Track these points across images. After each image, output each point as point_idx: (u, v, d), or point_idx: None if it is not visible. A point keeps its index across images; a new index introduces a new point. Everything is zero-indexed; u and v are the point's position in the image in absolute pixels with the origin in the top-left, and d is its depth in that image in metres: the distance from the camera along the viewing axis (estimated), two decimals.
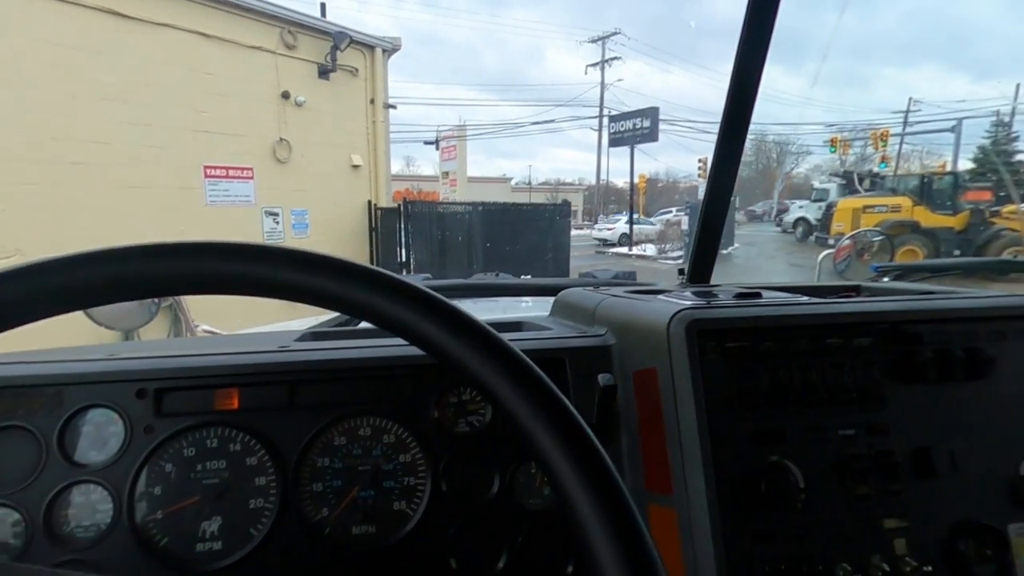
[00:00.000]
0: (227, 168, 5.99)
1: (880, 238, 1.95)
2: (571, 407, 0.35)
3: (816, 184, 24.47)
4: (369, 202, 7.60)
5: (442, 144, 15.60)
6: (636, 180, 25.35)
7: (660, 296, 0.71)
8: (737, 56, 0.96)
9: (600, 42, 30.04)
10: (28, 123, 4.62)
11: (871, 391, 0.59)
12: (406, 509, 0.61)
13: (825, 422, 0.58)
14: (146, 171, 5.32)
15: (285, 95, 6.43)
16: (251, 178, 6.22)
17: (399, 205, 7.73)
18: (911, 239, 12.08)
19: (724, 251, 17.20)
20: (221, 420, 0.59)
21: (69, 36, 4.79)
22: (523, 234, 8.76)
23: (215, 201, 5.93)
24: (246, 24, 6.03)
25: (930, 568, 0.54)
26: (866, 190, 15.67)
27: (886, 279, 1.55)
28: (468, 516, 0.61)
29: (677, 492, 0.55)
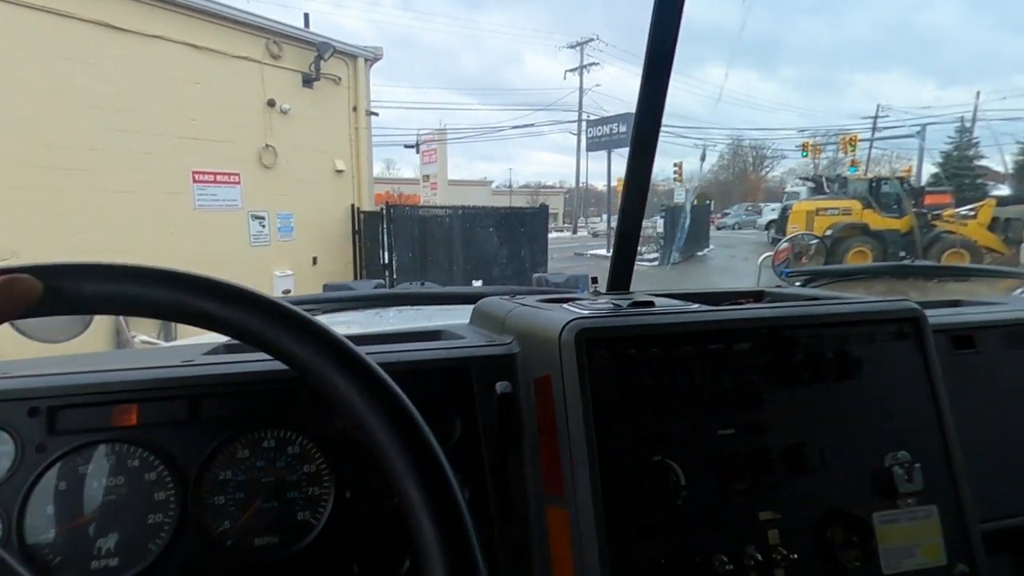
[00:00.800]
0: (215, 173, 6.21)
1: (816, 242, 2.04)
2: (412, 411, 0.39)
3: (788, 188, 25.24)
4: (352, 206, 7.86)
5: (422, 148, 15.73)
6: (614, 183, 25.93)
7: (566, 305, 0.74)
8: (644, 70, 0.99)
9: (578, 48, 30.56)
10: (23, 130, 4.80)
11: (749, 392, 0.62)
12: (310, 519, 0.61)
13: (707, 423, 0.60)
14: (137, 176, 5.52)
15: (271, 103, 6.68)
16: (238, 183, 6.44)
17: (381, 209, 8.00)
18: (860, 241, 12.57)
19: (700, 253, 17.66)
20: (119, 436, 0.58)
21: (63, 47, 4.99)
22: (502, 236, 9.08)
23: (203, 205, 6.15)
24: (234, 35, 6.27)
25: (796, 556, 0.58)
26: (833, 194, 16.28)
27: (798, 283, 1.62)
28: (372, 523, 0.62)
29: (567, 493, 0.58)
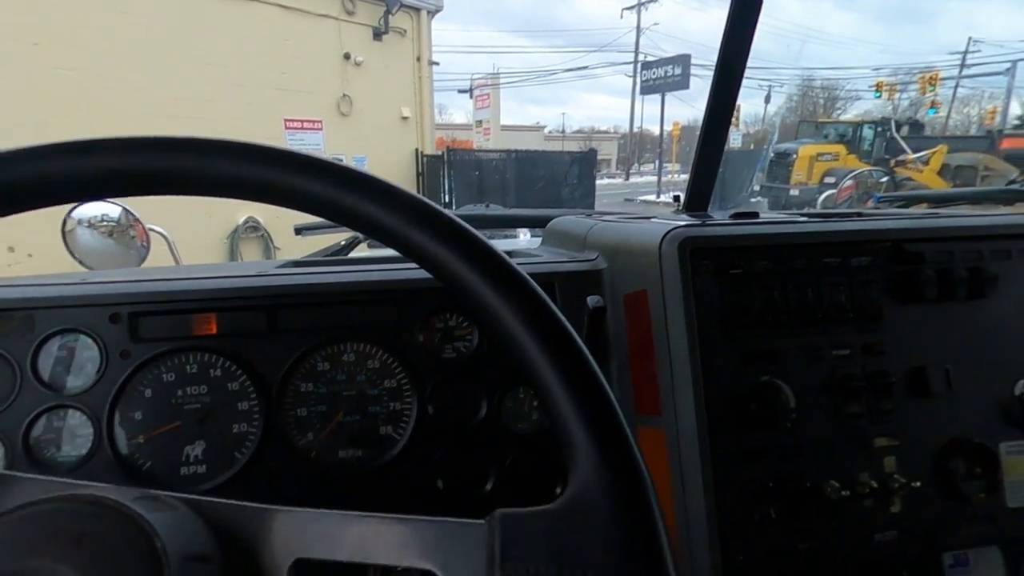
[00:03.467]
0: (302, 120, 7.15)
1: (885, 179, 1.95)
2: (564, 321, 0.32)
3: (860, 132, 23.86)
4: (416, 150, 8.68)
5: (475, 93, 16.12)
6: (670, 128, 25.47)
7: (654, 220, 0.71)
8: None
9: None
10: (157, 87, 5.83)
11: (868, 311, 0.58)
12: (392, 433, 0.61)
13: (819, 342, 0.58)
14: (241, 124, 6.51)
15: (346, 56, 7.47)
16: (320, 129, 7.36)
17: (442, 153, 8.78)
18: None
19: (752, 200, 17.41)
20: (199, 345, 0.59)
21: (181, 14, 5.91)
22: (553, 179, 9.71)
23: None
24: None
25: (918, 484, 0.56)
26: (903, 137, 15.57)
27: (891, 209, 1.50)
28: (455, 440, 0.62)
29: (666, 413, 0.55)
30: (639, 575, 0.27)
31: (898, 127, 16.16)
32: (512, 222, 1.41)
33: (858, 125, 14.15)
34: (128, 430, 0.58)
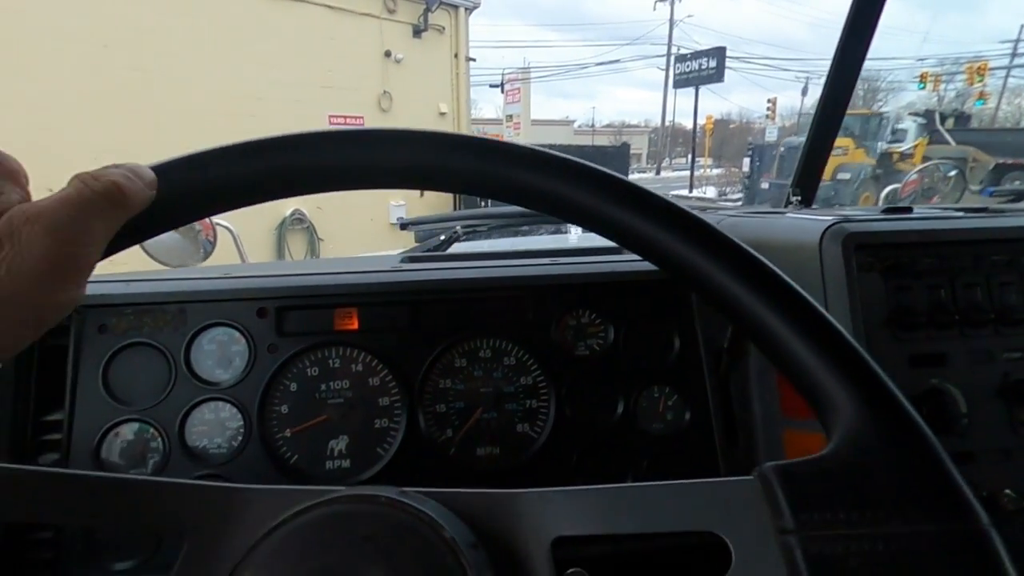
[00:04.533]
0: (345, 116, 7.40)
1: (955, 172, 1.79)
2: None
3: (895, 124, 23.13)
4: None
5: (507, 87, 16.18)
6: (703, 122, 25.11)
7: (788, 215, 0.69)
8: None
9: None
10: (213, 86, 6.14)
11: None
12: (529, 432, 0.61)
13: (990, 344, 0.55)
14: (289, 121, 6.78)
15: (387, 53, 7.69)
16: (362, 125, 7.60)
17: None
18: (866, 184, 11.63)
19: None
20: (342, 340, 0.59)
21: (235, 16, 6.21)
22: None
23: None
24: None
25: None
26: (948, 130, 15.06)
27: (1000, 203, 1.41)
28: (592, 440, 0.61)
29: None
30: (943, 510, 0.26)
31: (943, 119, 15.63)
32: None
33: (866, 117, 13.65)
34: (276, 423, 0.58)
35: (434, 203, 8.59)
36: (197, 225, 1.14)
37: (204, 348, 0.59)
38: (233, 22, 6.21)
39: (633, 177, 10.56)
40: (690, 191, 19.22)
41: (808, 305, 0.30)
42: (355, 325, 0.60)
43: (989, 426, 0.54)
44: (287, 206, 6.80)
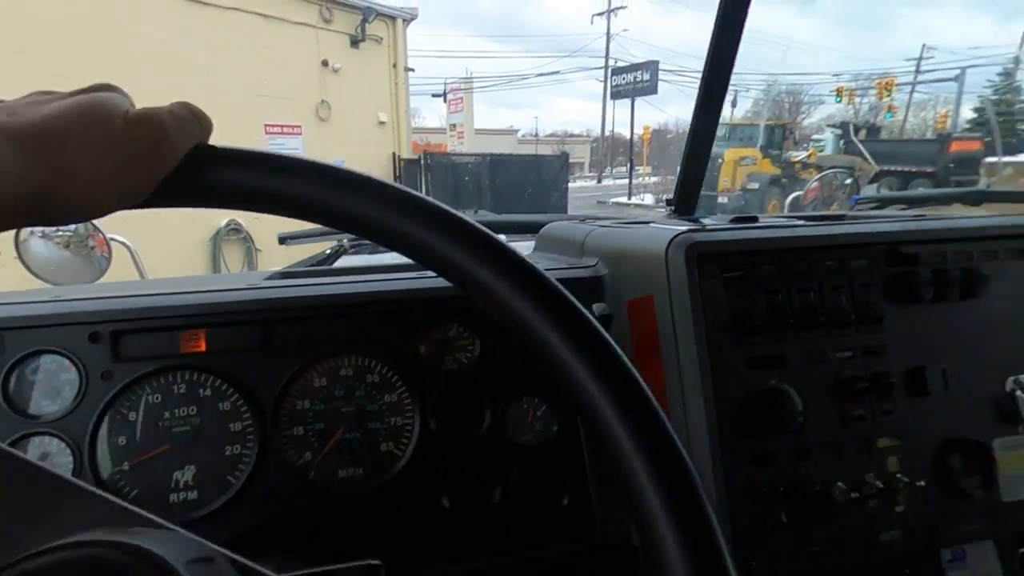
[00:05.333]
0: (282, 125, 7.35)
1: (850, 181, 1.90)
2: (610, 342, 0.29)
3: (814, 136, 24.93)
4: (393, 154, 8.93)
5: (449, 96, 16.34)
6: (641, 132, 26.09)
7: (652, 225, 0.71)
8: None
9: None
10: (143, 93, 5.96)
11: (869, 312, 0.59)
12: (394, 450, 0.59)
13: (823, 345, 0.58)
14: (224, 128, 6.61)
15: (324, 63, 7.70)
16: (300, 133, 7.57)
17: (419, 157, 9.06)
18: (772, 192, 12.04)
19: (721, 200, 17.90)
20: (187, 364, 0.56)
21: (168, 22, 6.09)
22: (525, 182, 10.06)
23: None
24: (294, 4, 7.26)
25: (922, 483, 0.57)
26: (861, 141, 16.20)
27: (866, 210, 1.53)
28: (459, 454, 0.60)
29: (675, 419, 0.55)
30: None
31: (856, 131, 16.84)
32: (501, 228, 1.39)
33: (771, 128, 14.35)
34: (112, 456, 0.54)
35: None
36: (91, 241, 1.07)
37: (27, 378, 0.55)
38: (164, 28, 6.08)
39: (576, 185, 10.85)
40: (629, 198, 19.93)
41: (602, 343, 0.29)
42: (202, 347, 0.57)
43: (823, 422, 0.57)
44: (222, 216, 6.69)
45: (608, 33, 28.95)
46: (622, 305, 0.64)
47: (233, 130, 6.80)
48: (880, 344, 0.60)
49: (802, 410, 0.55)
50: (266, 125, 7.20)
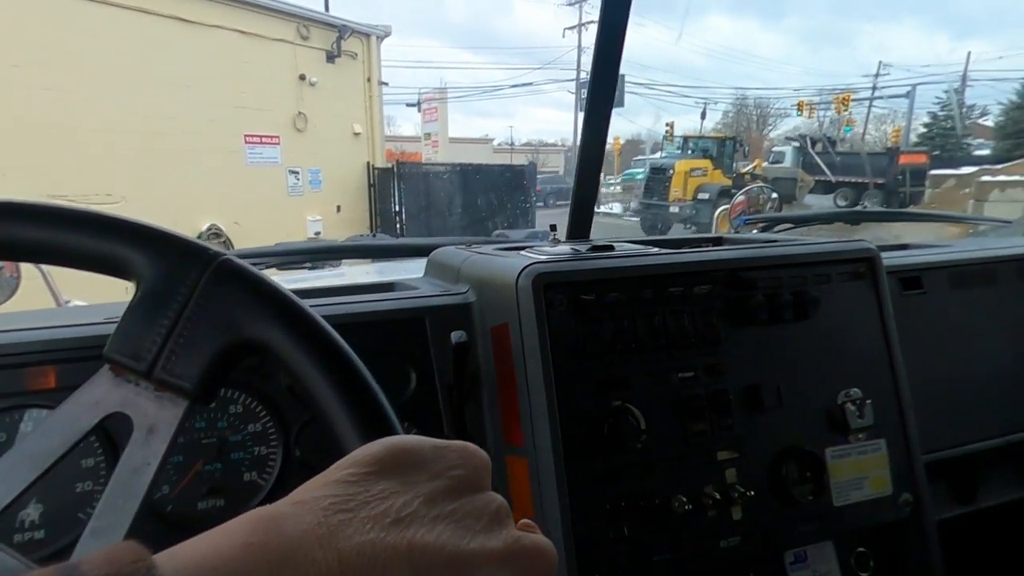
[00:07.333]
0: (260, 136, 7.74)
1: (775, 196, 1.96)
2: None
3: (774, 148, 25.79)
4: (368, 163, 9.37)
5: (423, 106, 16.68)
6: (611, 142, 26.75)
7: (524, 252, 0.73)
8: (600, 18, 0.96)
9: (577, 5, 30.91)
10: (124, 104, 6.33)
11: (708, 335, 0.63)
12: (257, 479, 0.59)
13: (666, 366, 0.61)
14: (205, 138, 7.06)
15: (302, 77, 8.12)
16: (278, 144, 7.96)
17: (392, 166, 9.51)
18: (721, 203, 12.60)
19: (630, 217, 17.09)
20: (36, 401, 0.54)
21: (149, 38, 6.46)
22: (495, 191, 10.56)
23: (253, 162, 7.71)
24: (272, 21, 7.70)
25: (753, 493, 0.61)
26: (818, 153, 16.84)
27: (754, 231, 1.59)
28: None
29: (526, 442, 0.59)
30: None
31: (813, 144, 17.49)
32: (397, 251, 1.41)
33: (722, 140, 14.73)
34: None
35: (351, 218, 9.03)
36: None
37: None
38: (145, 44, 6.45)
39: None
40: (598, 207, 20.45)
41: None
42: (52, 384, 0.55)
43: (666, 438, 0.60)
44: (203, 219, 7.03)
45: (579, 47, 29.77)
46: (488, 332, 0.67)
47: (216, 140, 7.17)
48: (719, 364, 0.63)
49: (644, 428, 0.59)
50: (246, 136, 7.58)
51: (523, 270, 0.60)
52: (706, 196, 12.55)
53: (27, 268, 1.03)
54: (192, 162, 6.95)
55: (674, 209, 12.81)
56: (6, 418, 0.54)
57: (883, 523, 0.68)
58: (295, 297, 0.36)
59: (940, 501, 0.79)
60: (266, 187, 7.83)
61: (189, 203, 6.87)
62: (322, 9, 8.65)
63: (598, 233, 1.11)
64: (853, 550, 0.70)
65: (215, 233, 7.12)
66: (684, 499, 0.59)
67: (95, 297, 0.96)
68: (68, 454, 0.35)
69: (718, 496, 0.60)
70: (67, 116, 5.89)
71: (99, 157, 6.15)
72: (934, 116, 25.98)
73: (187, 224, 6.88)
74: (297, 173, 8.28)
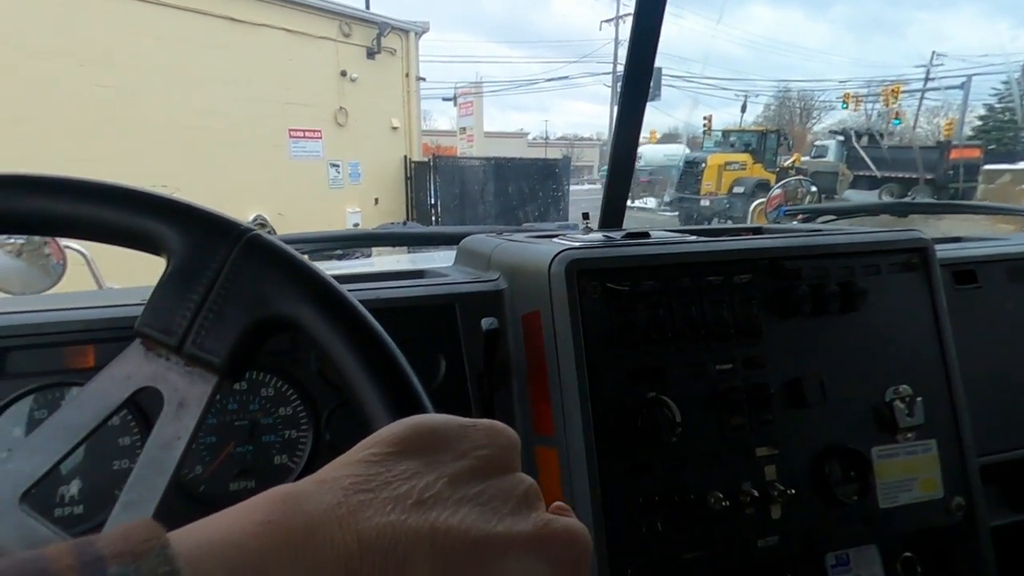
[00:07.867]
0: (304, 130, 8.06)
1: (814, 189, 1.91)
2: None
3: (817, 142, 24.92)
4: (405, 157, 9.62)
5: (459, 101, 16.39)
6: (648, 136, 26.45)
7: (556, 239, 0.72)
8: (635, 8, 0.95)
9: None
10: (179, 101, 6.72)
11: (749, 326, 0.61)
12: (288, 463, 0.60)
13: (704, 357, 0.60)
14: (251, 133, 7.41)
15: (343, 73, 8.41)
16: (320, 138, 8.28)
17: (428, 159, 9.74)
18: (758, 196, 12.61)
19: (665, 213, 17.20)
20: (75, 380, 0.55)
21: (201, 37, 6.84)
22: (528, 184, 10.67)
23: (296, 156, 8.05)
24: (317, 19, 8.01)
25: (794, 491, 0.58)
26: (863, 147, 16.40)
27: (794, 222, 1.54)
28: None
29: (557, 432, 0.58)
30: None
31: (858, 138, 16.95)
32: (428, 239, 1.41)
33: (763, 134, 14.58)
34: None
35: (388, 210, 9.30)
36: (46, 248, 1.05)
37: None
38: (199, 44, 6.83)
39: (584, 187, 11.20)
40: (632, 202, 20.24)
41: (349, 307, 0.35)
42: (91, 363, 0.56)
43: (702, 432, 0.59)
44: (250, 210, 7.39)
45: (616, 40, 29.43)
46: (519, 319, 0.66)
47: (262, 134, 7.51)
48: (760, 356, 0.61)
49: (680, 421, 0.57)
50: (290, 130, 7.92)
51: (556, 256, 0.59)
52: (741, 189, 12.40)
53: (72, 256, 1.08)
54: (240, 155, 7.32)
55: (705, 203, 12.71)
56: (48, 395, 0.56)
57: (932, 527, 0.65)
58: (325, 274, 0.37)
59: (993, 506, 0.75)
60: (309, 180, 8.16)
61: (237, 194, 7.21)
62: (363, 7, 8.93)
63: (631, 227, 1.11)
64: (899, 555, 0.67)
65: (261, 223, 7.42)
66: (720, 495, 0.57)
67: (139, 283, 1.00)
68: (100, 427, 0.35)
69: (756, 493, 0.58)
70: (128, 112, 6.31)
71: (156, 150, 6.56)
72: (991, 108, 24.68)
73: (235, 214, 7.10)
74: (338, 166, 8.58)
